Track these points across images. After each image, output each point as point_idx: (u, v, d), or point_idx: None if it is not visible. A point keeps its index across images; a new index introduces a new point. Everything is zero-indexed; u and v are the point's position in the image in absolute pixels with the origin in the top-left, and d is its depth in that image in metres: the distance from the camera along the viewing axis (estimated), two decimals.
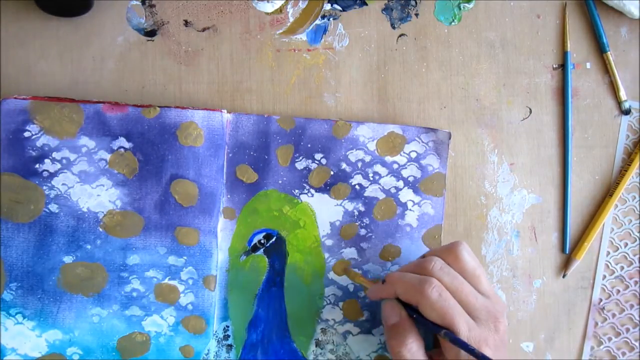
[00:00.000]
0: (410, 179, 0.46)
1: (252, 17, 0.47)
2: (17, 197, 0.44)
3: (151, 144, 0.44)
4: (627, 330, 0.49)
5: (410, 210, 0.46)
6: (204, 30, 0.47)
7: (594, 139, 0.49)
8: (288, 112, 0.47)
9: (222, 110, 0.45)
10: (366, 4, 0.48)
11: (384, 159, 0.46)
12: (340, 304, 0.46)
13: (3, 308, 0.43)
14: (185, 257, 0.45)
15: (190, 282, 0.45)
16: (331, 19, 0.47)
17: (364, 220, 0.46)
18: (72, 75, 0.46)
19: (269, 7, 0.47)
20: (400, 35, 0.48)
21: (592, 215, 0.49)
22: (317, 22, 0.47)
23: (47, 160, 0.44)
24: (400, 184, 0.46)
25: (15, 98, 0.44)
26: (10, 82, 0.46)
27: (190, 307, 0.45)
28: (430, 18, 0.48)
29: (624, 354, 0.48)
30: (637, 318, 0.49)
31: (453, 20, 0.48)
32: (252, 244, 0.46)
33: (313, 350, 0.46)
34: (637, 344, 0.49)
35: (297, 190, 0.46)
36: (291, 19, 0.47)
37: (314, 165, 0.46)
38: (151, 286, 0.44)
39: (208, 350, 0.45)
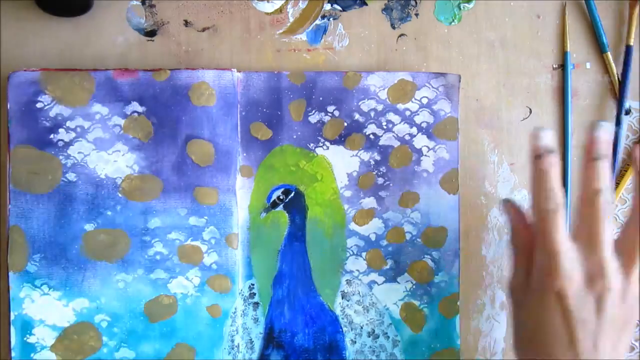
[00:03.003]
0: (424, 124, 0.46)
1: (252, 17, 0.47)
2: (34, 169, 0.44)
3: (164, 106, 0.45)
4: None
5: (425, 155, 0.46)
6: (204, 30, 0.47)
7: None
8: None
9: (232, 70, 0.45)
10: (366, 4, 0.48)
11: (396, 106, 0.46)
12: (364, 254, 0.46)
13: (28, 280, 0.44)
14: (206, 217, 0.45)
15: (213, 241, 0.45)
16: (331, 19, 0.47)
17: (381, 169, 0.46)
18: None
19: (269, 7, 0.47)
20: (400, 35, 0.48)
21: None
22: (317, 22, 0.47)
23: (61, 130, 0.44)
24: (414, 130, 0.46)
25: (25, 70, 0.44)
26: None
27: (214, 266, 0.45)
28: (430, 18, 0.48)
29: None
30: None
31: (453, 20, 0.48)
32: (272, 201, 0.46)
33: (340, 302, 0.46)
34: (637, 344, 0.48)
35: (312, 144, 0.46)
36: (291, 19, 0.47)
37: (327, 118, 0.46)
38: (174, 248, 0.45)
39: (235, 308, 0.45)
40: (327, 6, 0.47)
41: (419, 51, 0.48)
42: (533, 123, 0.48)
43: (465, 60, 0.48)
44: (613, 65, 0.48)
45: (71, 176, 0.44)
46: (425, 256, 0.46)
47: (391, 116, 0.46)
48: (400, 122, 0.46)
